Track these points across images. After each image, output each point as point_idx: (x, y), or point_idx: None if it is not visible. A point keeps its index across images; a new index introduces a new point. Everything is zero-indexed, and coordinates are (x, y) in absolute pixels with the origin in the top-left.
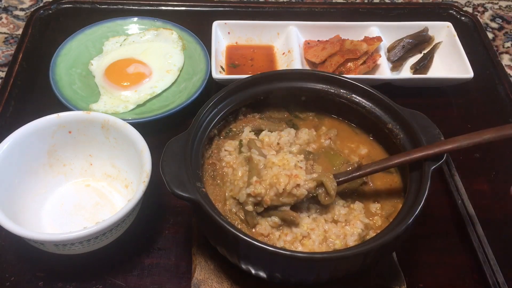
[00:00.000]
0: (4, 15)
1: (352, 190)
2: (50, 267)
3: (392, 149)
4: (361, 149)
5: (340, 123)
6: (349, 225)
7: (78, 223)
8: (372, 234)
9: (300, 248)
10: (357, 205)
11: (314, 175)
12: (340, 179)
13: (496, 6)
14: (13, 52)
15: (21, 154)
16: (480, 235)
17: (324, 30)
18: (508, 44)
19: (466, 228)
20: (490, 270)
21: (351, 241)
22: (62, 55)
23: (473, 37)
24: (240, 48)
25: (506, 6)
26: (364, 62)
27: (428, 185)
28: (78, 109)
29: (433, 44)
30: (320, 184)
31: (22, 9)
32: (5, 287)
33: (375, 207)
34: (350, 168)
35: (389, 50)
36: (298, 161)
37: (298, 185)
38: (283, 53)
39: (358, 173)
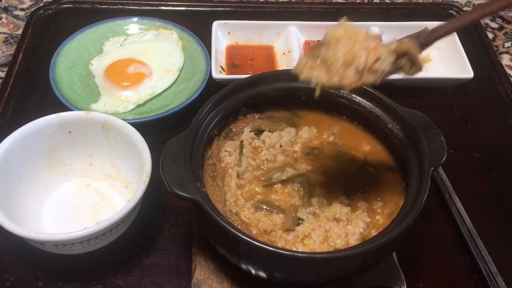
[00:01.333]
0: (4, 15)
1: (359, 187)
2: (50, 267)
3: (392, 149)
4: (364, 146)
5: (341, 122)
6: (351, 224)
7: (78, 223)
8: (374, 232)
9: (301, 248)
10: (359, 203)
11: (392, 46)
12: (423, 43)
13: None
14: (13, 52)
15: (21, 154)
16: (470, 227)
17: (324, 30)
18: (508, 44)
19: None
20: (484, 263)
21: (353, 240)
22: (62, 55)
23: (473, 37)
24: (240, 48)
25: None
26: None
27: (428, 185)
28: (78, 109)
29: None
30: (402, 55)
31: (22, 9)
32: (5, 287)
33: (377, 205)
34: (422, 32)
35: None
36: (366, 32)
37: (378, 59)
38: (283, 53)
39: (436, 34)
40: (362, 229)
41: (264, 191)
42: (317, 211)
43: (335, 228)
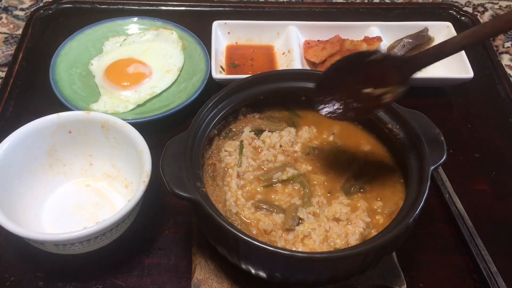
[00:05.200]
0: (4, 15)
1: (359, 187)
2: (50, 267)
3: (392, 148)
4: (364, 146)
5: (340, 122)
6: (351, 223)
7: (78, 223)
8: (374, 232)
9: (301, 248)
10: (359, 203)
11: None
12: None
13: (496, 6)
14: (13, 52)
15: (21, 154)
16: (470, 227)
17: (324, 30)
18: (508, 44)
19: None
20: (484, 263)
21: (353, 240)
22: (62, 55)
23: None
24: (240, 48)
25: (506, 6)
26: None
27: (428, 185)
28: (78, 109)
29: (432, 44)
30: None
31: (22, 9)
32: (5, 287)
33: (377, 205)
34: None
35: (389, 50)
36: None
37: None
38: (283, 53)
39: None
40: (362, 229)
41: (264, 191)
42: (317, 211)
43: (335, 228)
